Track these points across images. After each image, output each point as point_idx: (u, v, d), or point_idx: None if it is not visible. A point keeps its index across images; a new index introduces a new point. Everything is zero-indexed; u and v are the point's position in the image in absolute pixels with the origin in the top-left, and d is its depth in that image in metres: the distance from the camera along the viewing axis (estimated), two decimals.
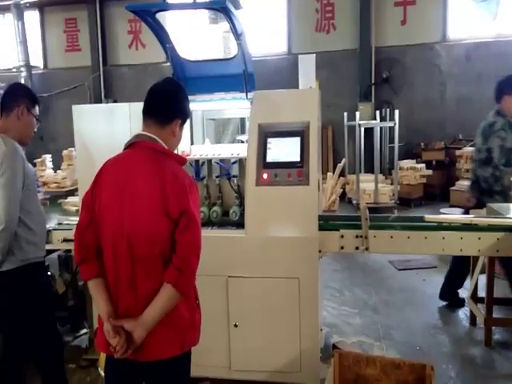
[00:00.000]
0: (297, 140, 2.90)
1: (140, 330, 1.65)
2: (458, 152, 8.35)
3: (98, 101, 10.75)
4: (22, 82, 10.34)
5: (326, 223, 3.03)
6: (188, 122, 3.61)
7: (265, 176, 2.85)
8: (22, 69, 10.86)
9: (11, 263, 2.33)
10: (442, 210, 5.13)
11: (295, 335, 2.80)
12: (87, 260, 1.75)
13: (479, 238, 2.87)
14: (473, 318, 3.70)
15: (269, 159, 2.89)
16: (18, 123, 2.44)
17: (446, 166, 8.88)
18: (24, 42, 10.90)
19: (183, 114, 1.87)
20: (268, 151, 2.91)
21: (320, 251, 2.93)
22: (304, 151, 2.86)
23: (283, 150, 2.92)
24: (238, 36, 2.99)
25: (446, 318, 3.87)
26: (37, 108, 2.55)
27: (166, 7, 3.38)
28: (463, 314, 3.91)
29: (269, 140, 2.93)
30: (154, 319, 1.66)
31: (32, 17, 11.51)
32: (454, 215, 3.74)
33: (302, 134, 2.88)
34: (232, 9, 2.90)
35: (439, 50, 9.62)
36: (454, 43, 9.60)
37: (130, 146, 1.80)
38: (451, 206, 7.10)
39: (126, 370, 1.77)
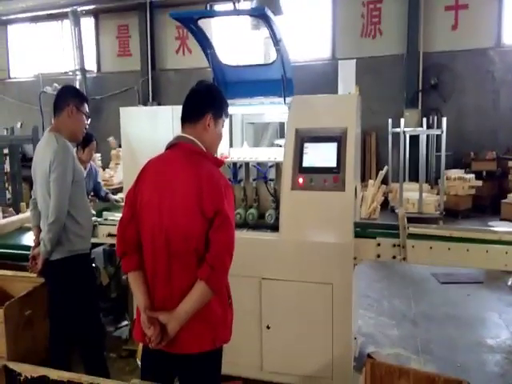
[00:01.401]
0: (333, 145, 2.88)
1: (174, 322, 1.71)
2: (510, 163, 7.95)
3: (146, 103, 11.11)
4: (77, 85, 10.88)
5: (363, 230, 2.98)
6: (227, 124, 3.73)
7: (300, 180, 2.85)
8: (78, 72, 11.41)
9: (60, 253, 2.53)
10: (490, 223, 4.88)
11: (328, 341, 2.77)
12: (128, 253, 1.83)
13: None
14: None
15: (305, 164, 2.89)
16: (68, 121, 2.62)
17: (497, 178, 8.47)
18: (80, 47, 11.46)
19: (214, 108, 1.90)
20: (304, 156, 2.91)
21: (355, 258, 2.89)
22: (341, 157, 2.85)
23: (320, 155, 2.91)
24: (276, 42, 3.03)
25: (490, 336, 3.69)
26: (86, 106, 2.71)
27: (207, 14, 3.45)
28: (509, 332, 3.71)
29: (305, 145, 2.93)
30: (187, 313, 1.72)
31: (87, 23, 12.08)
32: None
33: (339, 139, 2.87)
34: (271, 15, 2.94)
35: (493, 56, 9.20)
36: (509, 49, 9.16)
37: (170, 146, 1.87)
38: (502, 220, 6.76)
39: (160, 361, 1.84)
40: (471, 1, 9.26)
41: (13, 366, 1.84)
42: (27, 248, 3.31)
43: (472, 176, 8.12)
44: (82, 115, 2.67)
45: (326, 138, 2.92)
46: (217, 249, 1.72)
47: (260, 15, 3.02)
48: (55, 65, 12.43)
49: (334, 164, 2.86)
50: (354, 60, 3.44)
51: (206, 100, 1.91)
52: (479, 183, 8.05)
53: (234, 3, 4.04)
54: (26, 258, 2.75)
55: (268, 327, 2.86)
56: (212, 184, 1.74)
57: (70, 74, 11.53)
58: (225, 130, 3.61)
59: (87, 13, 11.69)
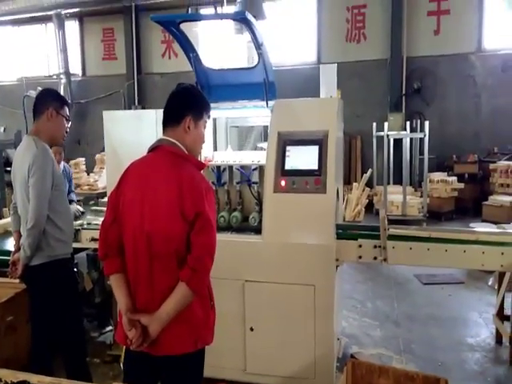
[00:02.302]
0: (315, 148, 2.92)
1: (155, 324, 1.73)
2: (492, 166, 8.06)
3: (131, 107, 11.06)
4: (62, 88, 10.79)
5: (345, 232, 3.01)
6: (211, 128, 3.74)
7: (282, 183, 2.88)
8: (62, 76, 11.32)
9: (40, 258, 2.49)
10: (471, 225, 4.97)
11: (310, 342, 2.79)
12: (109, 256, 1.84)
13: (502, 253, 2.78)
14: (498, 337, 3.56)
15: (287, 167, 2.91)
16: (48, 125, 2.59)
17: (479, 180, 8.60)
18: (64, 50, 11.37)
19: (193, 110, 1.89)
20: (287, 159, 2.93)
21: (337, 260, 2.92)
22: (322, 160, 2.88)
23: (302, 158, 2.94)
24: (258, 46, 3.06)
25: (470, 335, 3.75)
26: (66, 109, 2.68)
27: (189, 18, 3.47)
28: (489, 331, 3.77)
29: (288, 148, 2.96)
30: (168, 315, 1.73)
31: (72, 26, 11.99)
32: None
33: (320, 142, 2.90)
34: (252, 20, 2.97)
35: (474, 61, 9.37)
36: (490, 54, 9.33)
37: (152, 149, 1.88)
38: (483, 221, 6.87)
39: (142, 363, 1.85)
40: (453, 6, 9.42)
41: None
42: (8, 253, 3.27)
43: (454, 179, 8.24)
44: (62, 118, 2.64)
45: (308, 141, 2.95)
46: (198, 251, 1.73)
47: (241, 19, 3.05)
48: (39, 68, 12.31)
49: (315, 167, 2.89)
50: (335, 64, 3.49)
51: (184, 102, 1.91)
52: (461, 186, 8.17)
53: (215, 7, 4.06)
54: (7, 263, 2.71)
55: (251, 329, 2.88)
56: (193, 186, 1.75)
57: (55, 77, 11.43)
58: (209, 134, 3.68)
59: (72, 16, 11.61)
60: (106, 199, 4.12)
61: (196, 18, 3.50)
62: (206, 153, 3.58)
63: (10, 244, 3.52)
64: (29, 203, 2.45)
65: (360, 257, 2.98)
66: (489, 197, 7.67)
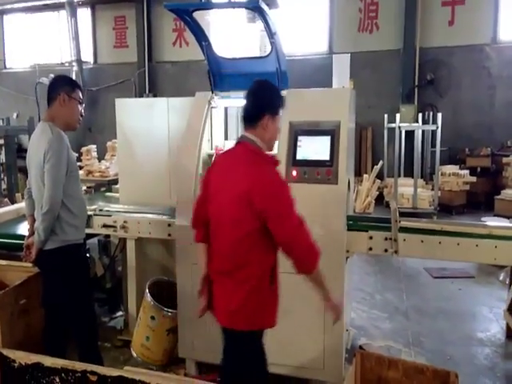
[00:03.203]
0: (327, 139, 2.90)
1: (328, 298, 2.07)
2: (505, 159, 7.94)
3: (143, 95, 11.07)
4: (74, 75, 10.81)
5: (355, 223, 3.00)
6: (223, 117, 3.72)
7: (294, 173, 2.86)
8: (74, 63, 11.35)
9: (53, 243, 2.54)
10: (483, 219, 4.92)
11: (319, 333, 2.80)
12: (196, 227, 2.20)
13: None
14: (509, 331, 3.54)
15: (298, 157, 2.90)
16: (62, 110, 2.61)
17: (491, 174, 8.48)
18: (76, 38, 11.39)
19: (271, 108, 2.05)
20: (298, 149, 2.92)
21: (348, 251, 2.91)
22: (334, 150, 2.86)
23: (313, 148, 2.92)
24: (271, 35, 3.03)
25: (480, 330, 3.73)
26: (78, 92, 2.68)
27: (202, 6, 3.44)
28: (499, 326, 3.75)
29: (299, 138, 2.94)
30: (327, 292, 2.08)
31: (84, 14, 11.99)
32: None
33: (332, 133, 2.88)
34: (265, 8, 2.93)
35: (489, 52, 9.20)
36: (506, 45, 9.15)
37: (237, 143, 2.11)
38: (495, 215, 6.78)
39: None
40: None
41: (7, 352, 1.86)
42: (22, 237, 3.32)
43: (466, 172, 8.13)
44: (75, 102, 2.64)
45: (320, 131, 2.93)
46: (287, 248, 1.95)
47: (254, 8, 3.01)
48: (51, 56, 12.35)
49: (327, 157, 2.87)
50: (349, 54, 3.45)
51: (261, 103, 2.05)
52: (473, 179, 8.06)
53: None
54: (21, 247, 2.76)
55: None
56: (265, 183, 1.93)
57: (67, 64, 11.46)
58: (220, 123, 3.67)
59: (84, 3, 11.61)
60: (117, 185, 4.19)
61: (209, 6, 3.47)
62: (217, 142, 3.58)
63: (23, 228, 3.58)
64: (44, 188, 2.49)
65: (370, 248, 2.97)
66: (501, 191, 7.55)
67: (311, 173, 2.86)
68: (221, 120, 3.67)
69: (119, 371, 1.76)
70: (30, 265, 3.17)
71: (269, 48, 3.33)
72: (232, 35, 6.90)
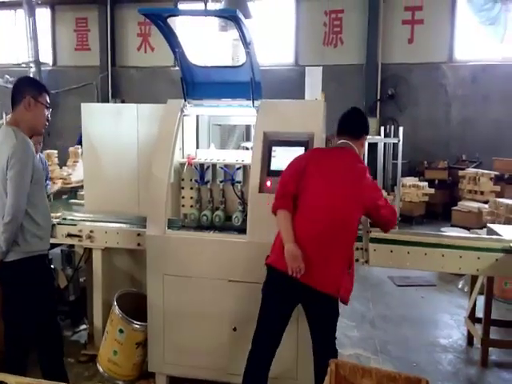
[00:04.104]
0: (301, 150, 2.93)
1: None
2: (461, 172, 8.35)
3: (105, 100, 10.80)
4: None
5: None
6: (194, 126, 3.69)
7: (268, 183, 2.88)
8: (32, 64, 10.93)
9: (16, 254, 2.40)
10: (442, 229, 5.13)
11: (292, 343, 2.79)
12: (285, 196, 2.44)
13: (478, 258, 2.88)
14: (470, 338, 3.70)
15: (273, 167, 2.92)
16: (27, 114, 2.48)
17: (448, 186, 8.89)
18: (34, 38, 10.97)
19: (367, 131, 2.71)
20: (272, 159, 2.94)
21: None
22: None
23: (287, 158, 2.90)
24: (246, 45, 3.04)
25: (443, 336, 3.87)
26: (45, 96, 2.56)
27: (177, 12, 3.42)
28: (460, 333, 3.91)
29: (273, 148, 2.96)
30: None
31: (43, 14, 11.59)
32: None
33: (306, 144, 2.93)
34: (242, 18, 2.94)
35: (445, 70, 9.69)
36: (461, 64, 9.67)
37: (338, 147, 2.60)
38: (452, 226, 7.09)
39: (289, 287, 2.36)
40: (427, 16, 9.70)
41: None
42: None
43: (425, 184, 8.47)
44: (42, 107, 2.52)
45: (294, 142, 2.96)
46: (385, 218, 2.57)
47: (231, 17, 3.02)
48: (7, 55, 11.83)
49: None
50: (321, 67, 3.51)
51: (366, 123, 2.71)
52: (432, 191, 8.41)
53: (205, 3, 4.02)
54: None
55: (234, 329, 2.86)
56: (370, 183, 2.51)
57: (24, 65, 11.02)
58: (192, 131, 3.63)
59: (43, 3, 11.24)
60: (83, 192, 4.03)
61: (185, 13, 3.44)
62: (189, 150, 3.53)
63: None
64: (6, 196, 2.35)
65: None
66: (458, 202, 7.92)
67: None
68: (192, 128, 3.63)
69: None
70: None
71: (241, 57, 3.34)
72: (203, 43, 6.88)
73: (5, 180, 2.36)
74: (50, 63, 11.75)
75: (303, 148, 2.94)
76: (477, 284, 3.55)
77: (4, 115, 8.59)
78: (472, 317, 3.62)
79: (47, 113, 2.58)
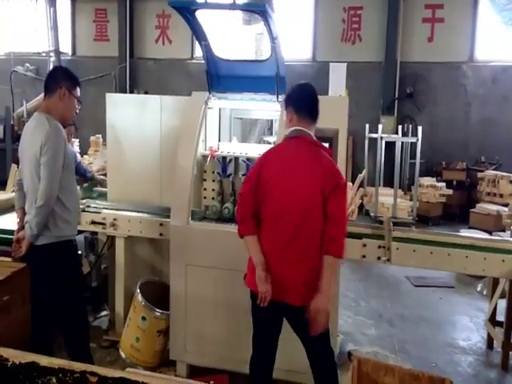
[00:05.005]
0: (325, 146, 2.91)
1: (324, 300, 2.14)
2: (479, 174, 8.23)
3: (123, 91, 10.83)
4: (51, 66, 10.47)
5: (350, 230, 3.03)
6: (217, 118, 3.69)
7: None
8: (52, 54, 10.96)
9: (46, 238, 2.45)
10: (461, 231, 5.08)
11: None
12: (246, 219, 2.26)
13: (503, 261, 2.85)
14: (490, 341, 3.66)
15: None
16: (60, 104, 2.54)
17: (466, 188, 8.75)
18: (55, 28, 11.01)
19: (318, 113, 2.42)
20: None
21: None
22: (332, 157, 2.87)
23: None
24: (273, 39, 3.04)
25: (462, 339, 3.84)
26: (78, 90, 2.63)
27: (206, 6, 3.41)
28: (479, 336, 3.88)
29: None
30: (329, 288, 2.20)
31: (64, 4, 11.65)
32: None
33: (330, 140, 2.92)
34: (270, 13, 2.94)
35: (466, 70, 9.55)
36: (481, 64, 9.51)
37: (292, 137, 2.30)
38: (470, 228, 7.00)
39: (268, 307, 2.24)
40: (447, 15, 9.54)
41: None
42: (3, 231, 3.19)
43: (443, 184, 8.37)
44: (74, 99, 2.59)
45: (319, 138, 2.93)
46: (334, 221, 2.15)
47: (260, 11, 3.01)
48: (28, 44, 11.93)
49: None
50: (345, 64, 3.48)
51: (318, 102, 2.41)
52: (450, 192, 8.30)
53: None
54: (2, 241, 2.65)
55: None
56: (330, 167, 2.23)
57: (44, 54, 11.09)
58: (214, 124, 3.64)
59: None
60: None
61: (213, 6, 3.43)
62: (211, 143, 3.54)
63: (1, 222, 3.44)
64: (39, 181, 2.40)
65: (364, 256, 3.02)
66: (476, 205, 7.82)
67: None
68: (215, 121, 3.64)
69: (121, 372, 1.69)
70: (10, 259, 3.04)
71: (265, 52, 3.33)
72: (227, 36, 6.87)
73: (38, 166, 2.41)
74: (70, 53, 11.82)
75: (327, 144, 2.92)
76: (498, 287, 3.51)
77: (24, 102, 8.71)
78: (492, 320, 3.59)
79: (78, 106, 2.64)
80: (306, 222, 2.19)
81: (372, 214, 7.90)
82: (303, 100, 2.38)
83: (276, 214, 2.23)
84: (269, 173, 2.26)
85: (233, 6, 3.57)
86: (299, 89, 2.42)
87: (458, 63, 9.52)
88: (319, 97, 3.18)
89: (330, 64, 3.30)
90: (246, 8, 3.54)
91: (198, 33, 3.35)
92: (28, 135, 2.53)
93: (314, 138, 2.35)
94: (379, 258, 2.99)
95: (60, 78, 2.56)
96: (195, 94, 3.33)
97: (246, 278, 2.36)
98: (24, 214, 2.55)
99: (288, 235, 2.20)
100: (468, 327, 4.05)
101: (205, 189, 3.41)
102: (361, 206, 8.02)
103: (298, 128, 2.32)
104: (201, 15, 3.23)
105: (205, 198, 3.40)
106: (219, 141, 3.65)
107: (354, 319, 4.05)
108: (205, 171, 3.44)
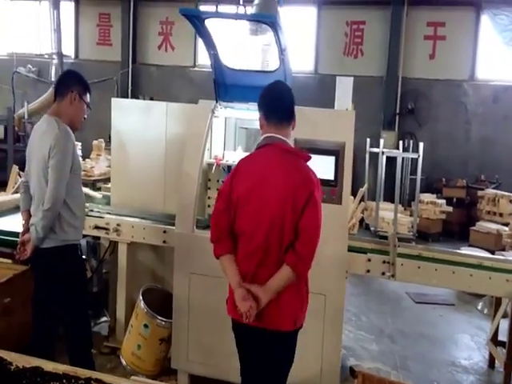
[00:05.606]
0: (331, 159, 2.92)
1: (264, 294, 1.95)
2: (479, 192, 8.25)
3: (125, 96, 10.82)
4: (53, 69, 10.46)
5: (354, 245, 3.03)
6: (222, 127, 3.68)
7: None
8: (54, 56, 10.94)
9: (51, 241, 2.43)
10: (462, 249, 5.08)
11: (317, 350, 2.78)
12: (221, 239, 2.07)
13: (507, 281, 2.84)
14: (491, 361, 3.64)
15: None
16: (70, 108, 2.53)
17: (466, 205, 8.76)
18: (58, 30, 10.99)
19: (294, 115, 2.16)
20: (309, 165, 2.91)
21: (346, 272, 2.92)
22: (338, 171, 2.89)
23: (317, 167, 2.85)
24: (281, 51, 3.05)
25: (463, 358, 3.81)
26: (88, 95, 2.64)
27: (216, 15, 3.43)
28: (481, 355, 3.85)
29: None
30: (274, 290, 1.97)
31: (67, 7, 11.68)
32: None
33: (337, 153, 2.91)
34: (280, 24, 2.95)
35: (466, 89, 9.63)
36: (482, 83, 9.61)
37: (263, 146, 2.07)
38: (470, 246, 6.98)
39: (248, 335, 2.08)
40: (449, 33, 9.65)
41: (2, 354, 1.72)
42: (5, 233, 3.15)
43: (443, 201, 8.39)
44: (84, 104, 2.60)
45: (325, 150, 2.95)
46: (304, 238, 1.95)
47: (270, 22, 3.03)
48: (30, 45, 11.93)
49: (331, 177, 2.91)
50: (352, 78, 3.49)
51: (292, 103, 2.13)
52: (450, 209, 8.32)
53: (244, 7, 4.04)
54: (3, 243, 2.61)
55: None
56: (305, 178, 2.00)
57: (46, 56, 11.08)
58: (220, 133, 3.63)
59: None
60: (109, 185, 4.03)
61: (224, 16, 3.45)
62: (216, 151, 3.53)
63: (3, 223, 3.40)
64: (46, 184, 2.39)
65: (368, 271, 3.00)
66: (476, 223, 7.83)
67: None
68: (221, 130, 3.64)
69: (126, 381, 1.67)
70: (10, 261, 3.01)
71: (271, 63, 3.34)
72: (233, 46, 6.88)
73: (46, 168, 2.40)
74: (72, 56, 11.83)
75: (334, 157, 2.93)
76: (501, 307, 3.50)
77: (26, 104, 8.67)
78: (495, 340, 3.57)
79: (87, 112, 2.64)
80: (277, 241, 1.97)
81: (372, 229, 7.90)
82: (270, 103, 2.10)
83: (247, 233, 2.02)
84: (238, 188, 2.03)
85: (243, 16, 3.59)
86: (267, 90, 2.13)
87: (458, 81, 9.62)
88: (323, 110, 3.22)
89: (337, 77, 3.31)
90: (256, 18, 3.55)
91: (207, 42, 3.36)
92: (37, 137, 2.51)
93: (289, 144, 2.10)
94: (383, 274, 2.98)
95: (72, 83, 2.56)
96: (202, 102, 3.32)
97: (226, 303, 2.14)
98: (29, 216, 2.53)
99: (259, 255, 1.99)
100: (469, 346, 4.03)
101: (209, 197, 3.40)
102: (361, 220, 8.03)
103: (268, 135, 2.06)
104: (210, 24, 3.24)
105: (209, 206, 3.39)
106: (224, 150, 3.65)
107: (355, 334, 4.02)
108: (209, 180, 3.43)
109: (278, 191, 1.97)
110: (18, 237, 2.61)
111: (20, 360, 1.70)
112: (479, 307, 4.78)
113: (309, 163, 2.89)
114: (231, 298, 2.06)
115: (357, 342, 3.82)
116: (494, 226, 7.33)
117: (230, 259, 2.05)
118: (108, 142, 6.14)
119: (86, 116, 2.66)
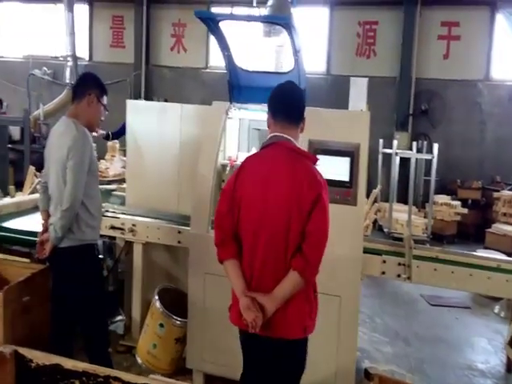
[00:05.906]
0: (346, 160, 2.91)
1: (271, 303, 1.88)
2: (495, 194, 8.08)
3: (138, 97, 10.92)
4: (68, 71, 10.59)
5: (369, 246, 3.01)
6: (237, 128, 3.69)
7: None
8: (69, 58, 11.07)
9: (69, 241, 2.48)
10: (478, 251, 5.01)
11: (332, 352, 2.78)
12: (225, 243, 2.00)
13: None
14: (509, 365, 3.59)
15: None
16: (88, 110, 2.58)
17: (481, 207, 8.63)
18: (72, 33, 11.12)
19: (303, 116, 2.11)
20: (317, 167, 2.91)
21: (361, 273, 2.90)
22: (353, 172, 2.88)
23: (332, 168, 2.91)
24: (296, 52, 3.06)
25: (480, 361, 3.77)
26: (105, 98, 2.68)
27: (231, 17, 3.45)
28: (498, 359, 3.80)
29: (318, 156, 2.92)
30: (282, 297, 1.90)
31: (81, 10, 11.82)
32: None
33: (352, 154, 2.90)
34: (294, 25, 2.96)
35: (481, 89, 9.51)
36: (498, 83, 9.48)
37: (268, 145, 2.03)
38: (485, 248, 6.89)
39: (255, 345, 2.01)
40: (463, 32, 9.54)
41: (23, 351, 1.74)
42: (24, 233, 3.20)
43: (458, 203, 8.27)
44: (101, 106, 2.64)
45: (340, 151, 2.95)
46: (312, 241, 1.89)
47: (284, 24, 3.04)
48: (45, 48, 12.10)
49: (346, 178, 2.90)
50: (366, 78, 3.49)
51: (303, 103, 2.10)
52: (465, 211, 8.19)
53: (258, 9, 4.06)
54: (24, 242, 2.66)
55: None
56: (311, 179, 1.93)
57: (61, 59, 11.22)
58: (234, 134, 3.64)
59: None
60: (124, 185, 4.07)
61: (238, 18, 3.47)
62: (231, 152, 3.54)
63: (24, 223, 3.46)
64: (64, 185, 2.43)
65: (383, 272, 2.98)
66: (492, 225, 7.68)
67: (330, 193, 2.82)
68: (235, 131, 3.65)
69: (145, 379, 1.67)
70: (28, 260, 3.05)
71: (285, 64, 3.34)
72: (247, 48, 6.92)
73: (64, 169, 2.44)
74: (86, 58, 11.97)
75: (349, 158, 2.92)
76: None
77: (41, 105, 8.79)
78: None
79: (104, 114, 2.69)
80: (282, 243, 1.91)
81: (386, 230, 7.84)
82: (278, 102, 2.07)
83: (250, 235, 1.96)
84: (242, 187, 1.99)
85: (257, 18, 3.60)
86: (276, 90, 2.11)
87: (473, 81, 9.50)
88: (338, 111, 3.21)
89: (351, 78, 3.31)
90: (270, 20, 3.56)
91: (221, 44, 3.38)
92: (55, 139, 2.56)
93: (296, 144, 2.04)
94: (399, 276, 2.96)
95: (90, 85, 2.61)
96: (216, 103, 3.34)
97: (230, 310, 2.09)
98: (48, 216, 2.58)
99: (263, 259, 1.93)
100: (486, 350, 3.97)
101: None
102: (374, 222, 7.96)
103: (275, 134, 2.03)
104: (224, 26, 3.26)
105: None
106: (238, 151, 3.66)
107: (369, 336, 3.99)
108: (223, 180, 3.44)
109: (284, 190, 1.92)
110: (35, 236, 2.67)
111: (40, 357, 1.72)
112: (496, 310, 4.71)
113: (323, 164, 2.91)
114: (235, 306, 1.99)
115: (371, 344, 3.79)
116: (510, 229, 7.20)
117: (234, 264, 1.98)
118: (122, 143, 6.22)
119: (103, 118, 2.70)
